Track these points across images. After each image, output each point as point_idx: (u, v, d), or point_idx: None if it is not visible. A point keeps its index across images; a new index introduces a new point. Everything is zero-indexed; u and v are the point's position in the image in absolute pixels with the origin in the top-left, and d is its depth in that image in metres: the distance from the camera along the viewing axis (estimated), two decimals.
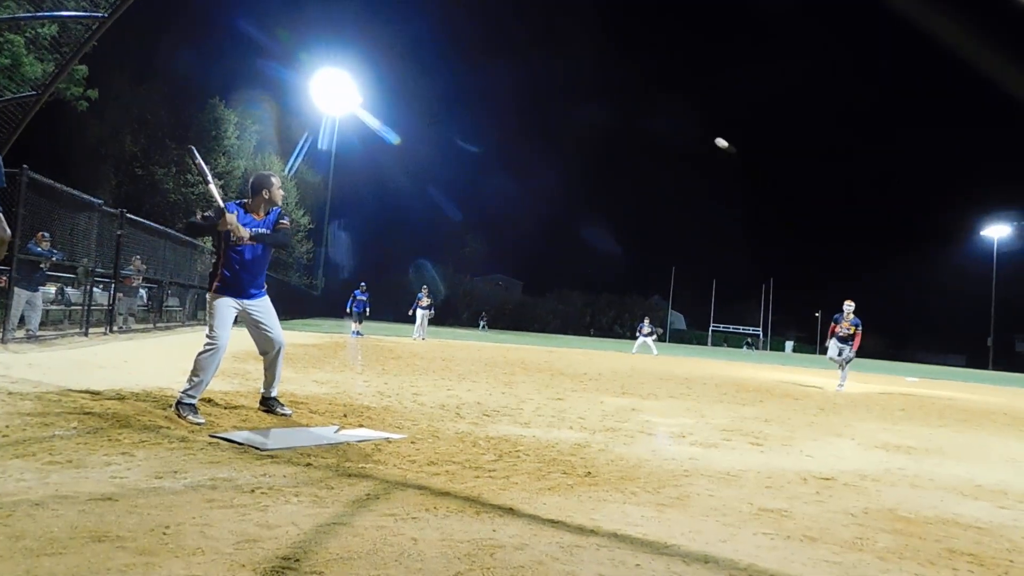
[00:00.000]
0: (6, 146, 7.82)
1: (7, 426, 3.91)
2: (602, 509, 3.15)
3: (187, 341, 13.66)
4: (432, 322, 23.91)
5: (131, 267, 14.70)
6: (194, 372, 4.69)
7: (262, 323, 5.04)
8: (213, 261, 5.08)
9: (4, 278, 10.25)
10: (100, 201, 12.71)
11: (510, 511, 2.98)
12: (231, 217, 4.69)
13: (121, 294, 14.18)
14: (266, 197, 5.03)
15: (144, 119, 31.94)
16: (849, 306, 13.12)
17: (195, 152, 5.08)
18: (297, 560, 2.21)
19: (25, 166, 9.12)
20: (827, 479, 4.27)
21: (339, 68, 36.17)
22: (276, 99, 36.45)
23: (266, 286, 5.19)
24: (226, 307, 4.88)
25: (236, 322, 4.99)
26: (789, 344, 72.88)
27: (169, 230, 17.83)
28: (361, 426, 4.91)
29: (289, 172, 38.04)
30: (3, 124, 8.09)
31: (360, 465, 3.68)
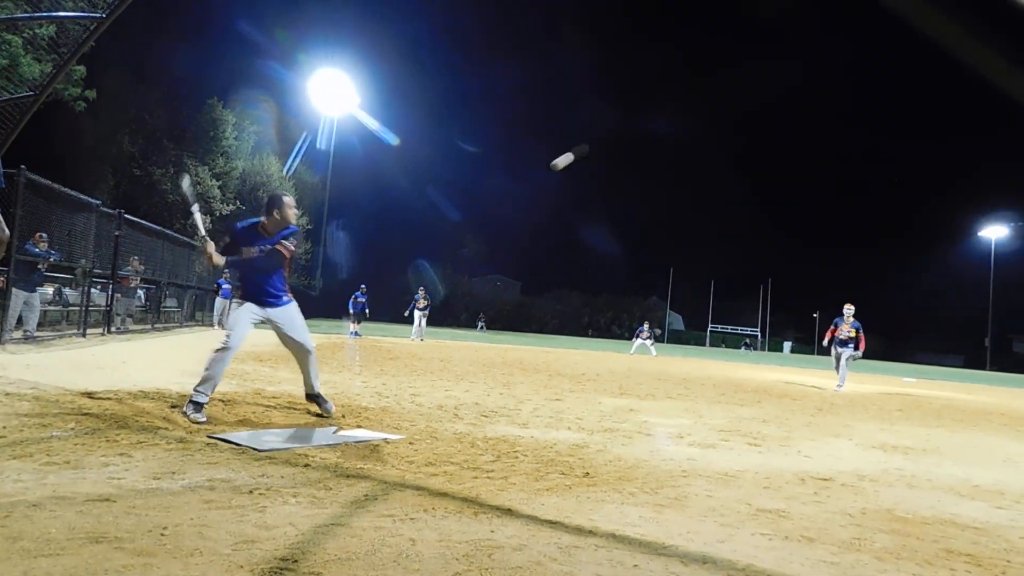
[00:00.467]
0: (4, 147, 7.81)
1: (4, 427, 3.91)
2: (600, 510, 3.16)
3: (185, 342, 13.66)
4: (430, 323, 23.86)
5: (129, 268, 14.69)
6: (205, 368, 4.82)
7: (284, 331, 5.22)
8: None
9: (2, 279, 10.22)
10: (98, 202, 12.71)
11: (508, 512, 2.98)
12: (209, 247, 5.11)
13: (119, 295, 14.17)
14: (277, 217, 5.17)
15: (142, 119, 31.92)
16: (849, 310, 13.26)
17: (187, 180, 5.36)
18: (295, 561, 2.21)
19: (23, 167, 9.13)
20: (825, 479, 4.27)
21: (337, 68, 36.19)
22: (274, 99, 36.43)
23: (288, 295, 5.31)
24: (245, 312, 5.12)
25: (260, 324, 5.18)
26: (787, 345, 72.87)
27: (167, 231, 17.80)
28: (359, 427, 4.91)
29: (287, 173, 37.99)
30: (1, 125, 8.07)
31: (358, 466, 3.68)
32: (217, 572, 2.09)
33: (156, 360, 9.06)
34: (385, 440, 4.46)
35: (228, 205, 33.62)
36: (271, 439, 4.20)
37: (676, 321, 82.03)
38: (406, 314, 23.05)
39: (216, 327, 20.97)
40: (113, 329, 13.67)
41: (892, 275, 78.94)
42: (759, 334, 72.04)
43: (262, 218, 5.22)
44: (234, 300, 5.24)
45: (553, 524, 2.85)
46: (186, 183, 5.33)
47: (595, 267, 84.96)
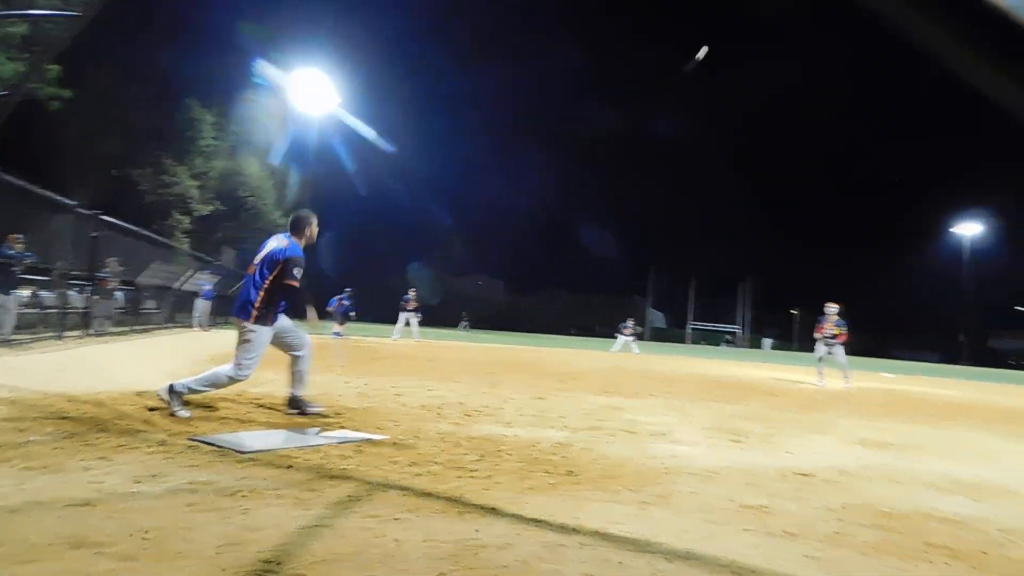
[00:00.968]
0: None
1: None
2: (585, 508, 3.16)
3: (165, 344, 13.52)
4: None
5: (107, 269, 14.51)
6: (208, 380, 4.97)
7: (286, 334, 5.42)
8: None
9: None
10: (74, 203, 12.54)
11: (493, 511, 2.98)
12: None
13: (97, 296, 13.99)
14: (308, 235, 5.45)
15: (120, 119, 31.49)
16: (831, 308, 13.47)
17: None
18: (279, 563, 2.19)
19: None
20: (807, 475, 4.31)
21: (320, 67, 35.83)
22: (255, 99, 35.99)
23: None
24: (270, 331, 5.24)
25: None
26: (767, 342, 73.51)
27: (146, 232, 17.58)
28: (343, 427, 4.88)
29: (268, 172, 37.60)
30: None
31: (342, 467, 3.66)
32: (201, 575, 2.07)
33: (135, 363, 8.96)
34: (369, 440, 4.43)
35: (207, 206, 33.32)
36: (254, 440, 4.17)
37: (657, 319, 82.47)
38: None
39: (196, 328, 20.79)
40: (91, 331, 13.50)
41: (870, 272, 79.72)
42: (740, 331, 72.61)
43: (295, 238, 5.35)
44: (255, 322, 5.06)
45: (538, 523, 2.85)
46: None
47: (579, 266, 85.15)
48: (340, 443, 4.29)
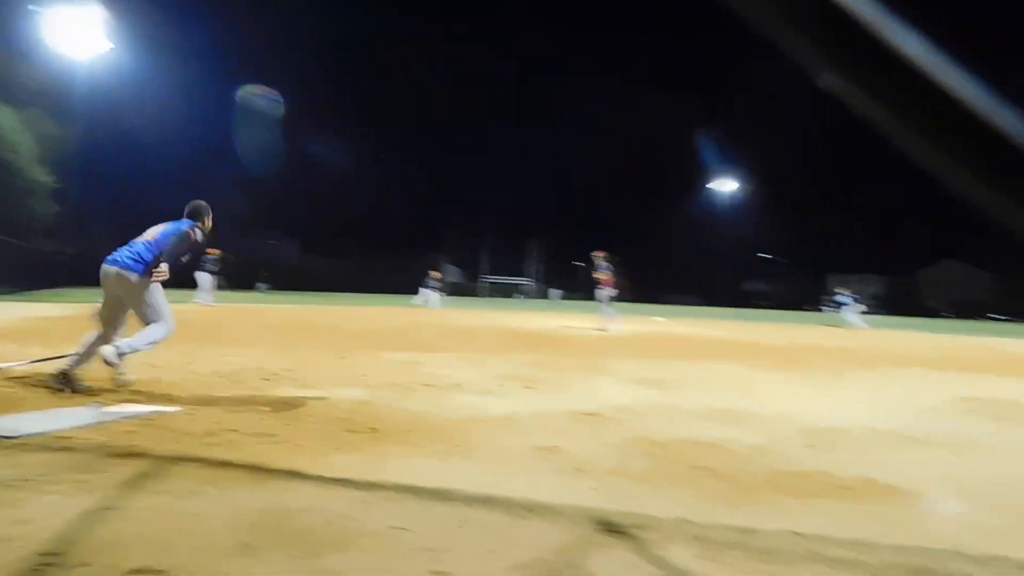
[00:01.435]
0: None
1: None
2: (389, 463, 3.24)
3: None
4: (194, 286, 21.91)
5: None
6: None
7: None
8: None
9: None
10: None
11: (297, 475, 2.96)
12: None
13: None
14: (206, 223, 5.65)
15: None
16: (597, 256, 15.34)
17: None
18: (59, 554, 2.04)
19: None
20: (592, 415, 4.72)
21: (86, 5, 31.19)
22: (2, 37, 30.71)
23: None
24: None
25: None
26: (556, 292, 77.69)
27: None
28: (127, 402, 4.51)
29: (23, 124, 32.42)
30: None
31: (129, 444, 3.40)
32: None
33: None
34: (158, 413, 4.15)
35: None
36: (21, 423, 3.73)
37: (453, 274, 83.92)
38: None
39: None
40: None
41: (641, 225, 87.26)
42: (531, 283, 76.03)
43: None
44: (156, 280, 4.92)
45: (343, 482, 2.88)
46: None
47: (375, 222, 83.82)
48: (125, 418, 3.98)
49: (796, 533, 2.47)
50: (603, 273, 15.22)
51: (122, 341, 4.87)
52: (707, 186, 74.40)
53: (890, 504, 2.89)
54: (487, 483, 2.97)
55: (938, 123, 0.44)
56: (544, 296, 75.40)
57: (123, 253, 5.07)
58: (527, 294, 72.86)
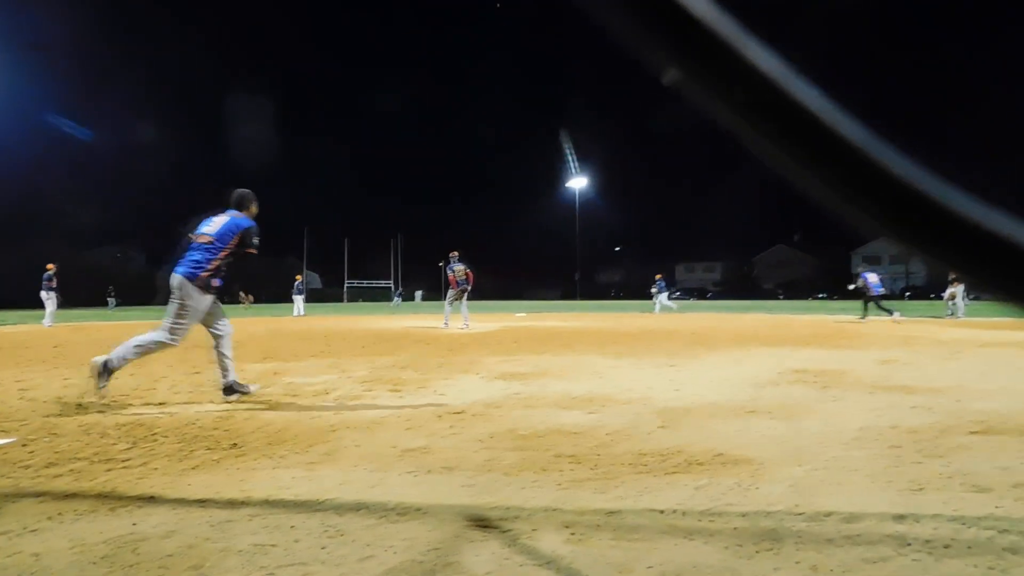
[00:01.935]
0: None
1: None
2: (252, 478, 3.12)
3: None
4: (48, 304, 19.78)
5: None
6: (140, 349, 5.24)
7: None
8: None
9: None
10: None
11: (152, 499, 2.78)
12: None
13: None
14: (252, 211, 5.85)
15: None
16: (453, 256, 15.61)
17: None
18: None
19: None
20: (459, 412, 4.76)
21: None
22: None
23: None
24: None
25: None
26: (419, 294, 77.39)
27: None
28: None
29: None
30: None
31: None
32: None
33: None
34: None
35: None
36: None
37: (313, 280, 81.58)
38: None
39: None
40: None
41: (502, 225, 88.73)
42: (393, 286, 75.28)
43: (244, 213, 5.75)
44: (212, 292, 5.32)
45: (203, 503, 2.74)
46: None
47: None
48: None
49: (657, 510, 2.62)
50: (456, 272, 15.53)
51: (114, 353, 5.17)
52: (565, 184, 76.85)
53: (736, 474, 3.13)
54: (357, 490, 2.93)
55: (777, 124, 0.48)
56: (411, 298, 74.95)
57: (182, 262, 5.44)
58: (403, 297, 72.08)
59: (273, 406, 5.09)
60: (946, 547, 2.22)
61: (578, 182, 75.11)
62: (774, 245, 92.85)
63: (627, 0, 0.46)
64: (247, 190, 5.89)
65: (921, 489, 2.86)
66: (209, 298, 5.38)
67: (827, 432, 4.04)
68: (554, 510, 2.63)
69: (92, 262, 64.14)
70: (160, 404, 5.22)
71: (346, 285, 73.65)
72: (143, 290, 61.17)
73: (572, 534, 2.37)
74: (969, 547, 2.22)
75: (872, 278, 19.12)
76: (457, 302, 15.67)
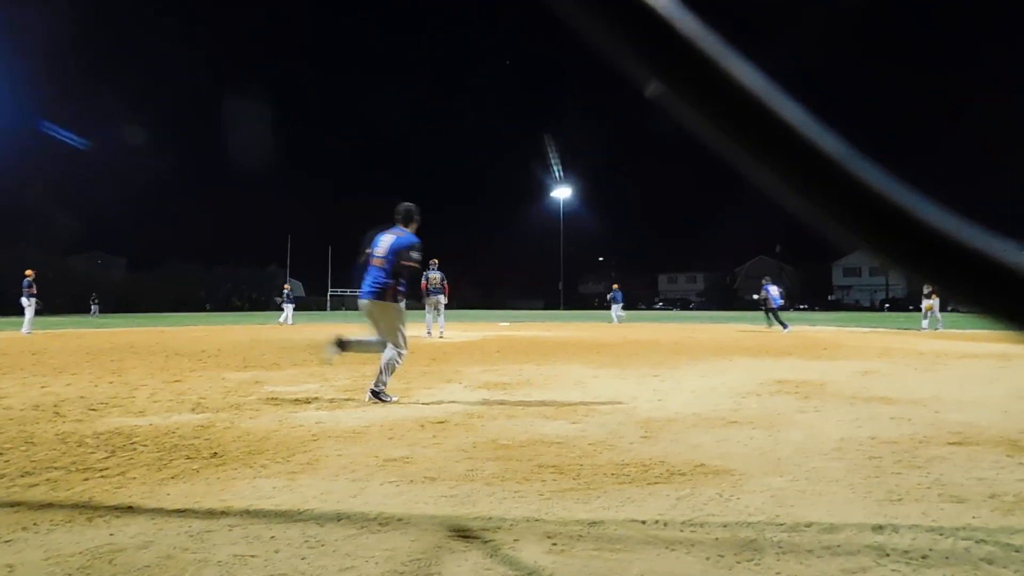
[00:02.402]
0: None
1: None
2: (232, 488, 3.09)
3: None
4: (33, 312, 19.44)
5: None
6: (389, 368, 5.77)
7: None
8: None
9: None
10: None
11: (129, 509, 2.75)
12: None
13: None
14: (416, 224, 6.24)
15: None
16: (433, 263, 15.77)
17: None
18: None
19: None
20: (441, 422, 4.74)
21: None
22: None
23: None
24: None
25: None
26: (402, 304, 77.20)
27: None
28: None
29: None
30: None
31: None
32: None
33: None
34: None
35: None
36: None
37: (297, 288, 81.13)
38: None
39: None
40: None
41: (485, 233, 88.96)
42: None
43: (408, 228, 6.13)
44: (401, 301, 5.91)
45: (182, 513, 2.71)
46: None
47: (209, 238, 79.20)
48: None
49: (639, 520, 2.62)
50: (430, 279, 15.66)
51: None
52: (549, 194, 77.09)
53: (718, 484, 3.14)
54: (338, 499, 2.91)
55: (758, 138, 0.48)
56: None
57: (369, 286, 5.89)
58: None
59: (254, 416, 5.04)
60: (924, 557, 2.24)
61: (562, 192, 75.44)
62: (756, 257, 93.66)
63: (610, 14, 0.46)
64: (411, 204, 6.19)
65: (900, 500, 2.89)
66: (402, 303, 5.95)
67: (807, 443, 4.07)
68: (536, 520, 2.63)
69: (74, 268, 63.42)
70: (139, 413, 5.16)
71: (329, 293, 73.22)
72: (125, 297, 60.58)
73: (554, 544, 2.37)
74: (946, 557, 2.24)
75: (773, 290, 20.47)
76: (435, 311, 15.81)
